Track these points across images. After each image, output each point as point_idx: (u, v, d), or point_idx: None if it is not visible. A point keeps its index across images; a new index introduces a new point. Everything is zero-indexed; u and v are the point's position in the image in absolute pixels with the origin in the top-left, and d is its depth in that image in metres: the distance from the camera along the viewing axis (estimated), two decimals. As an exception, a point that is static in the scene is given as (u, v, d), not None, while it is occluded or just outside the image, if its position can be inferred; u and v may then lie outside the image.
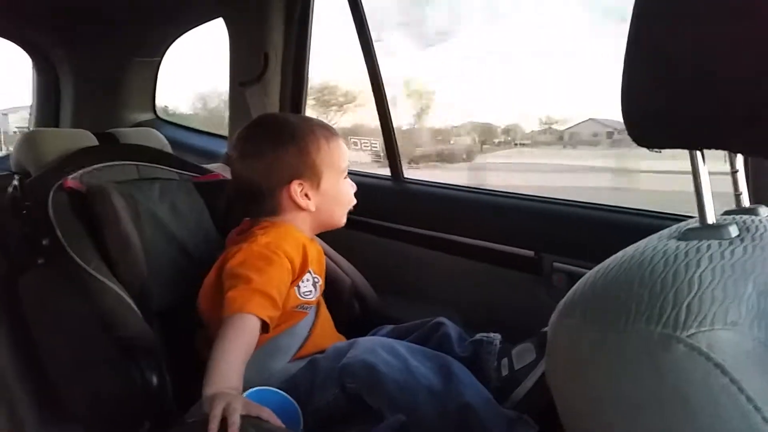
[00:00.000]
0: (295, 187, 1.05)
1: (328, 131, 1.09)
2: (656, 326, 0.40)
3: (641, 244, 0.50)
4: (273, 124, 1.10)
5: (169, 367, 0.97)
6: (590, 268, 1.25)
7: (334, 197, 1.09)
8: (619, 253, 0.50)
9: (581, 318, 0.45)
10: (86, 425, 1.06)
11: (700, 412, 0.39)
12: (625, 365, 0.42)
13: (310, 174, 1.05)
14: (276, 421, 0.82)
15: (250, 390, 0.88)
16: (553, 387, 0.49)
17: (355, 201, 1.13)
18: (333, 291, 1.18)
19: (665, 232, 0.52)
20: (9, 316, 1.09)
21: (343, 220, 1.12)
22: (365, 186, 1.21)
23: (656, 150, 0.52)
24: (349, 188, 1.12)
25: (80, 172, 1.16)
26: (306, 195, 1.06)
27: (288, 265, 1.00)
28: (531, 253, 1.29)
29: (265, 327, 0.93)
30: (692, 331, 0.39)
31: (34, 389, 1.10)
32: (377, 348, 0.92)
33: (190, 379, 0.88)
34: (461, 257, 1.40)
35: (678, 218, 1.09)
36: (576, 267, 1.21)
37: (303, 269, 1.04)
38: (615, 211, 1.25)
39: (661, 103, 0.47)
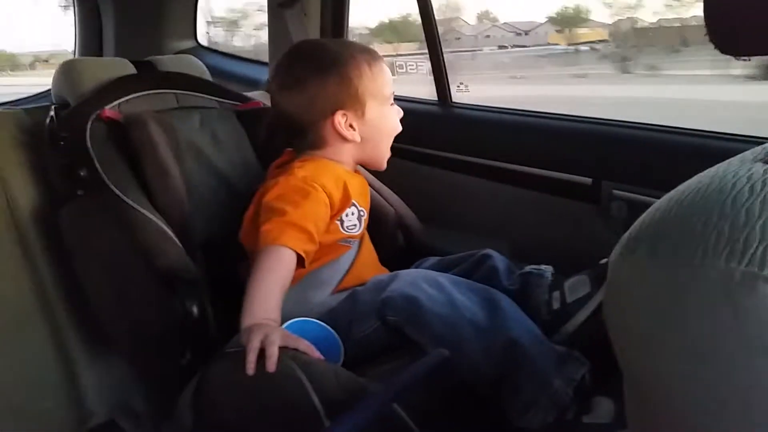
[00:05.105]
0: (339, 119, 1.00)
1: (369, 55, 1.02)
2: (739, 263, 0.34)
3: (720, 168, 0.43)
4: (311, 52, 1.04)
5: (213, 298, 0.97)
6: (654, 197, 1.15)
7: (379, 126, 1.04)
8: (694, 179, 0.43)
9: (649, 252, 0.39)
10: (129, 354, 1.09)
11: None
12: (698, 307, 0.36)
13: (354, 103, 1.00)
14: (314, 352, 0.81)
15: (291, 321, 0.88)
16: (611, 329, 0.43)
17: (400, 128, 1.07)
18: (376, 222, 1.14)
19: (748, 154, 0.45)
20: (52, 247, 1.11)
21: (388, 153, 1.08)
22: (410, 111, 1.14)
23: (744, 58, 0.45)
24: (395, 115, 1.06)
25: (118, 101, 1.14)
26: (351, 126, 1.01)
27: (325, 199, 0.97)
28: (588, 180, 1.21)
29: (300, 261, 0.91)
30: None
31: (79, 318, 1.13)
32: (419, 281, 0.89)
33: (234, 310, 0.87)
34: (512, 185, 1.33)
35: (760, 141, 0.98)
36: (638, 195, 1.12)
37: (344, 203, 1.01)
38: (682, 133, 1.15)
39: (752, 7, 0.40)
